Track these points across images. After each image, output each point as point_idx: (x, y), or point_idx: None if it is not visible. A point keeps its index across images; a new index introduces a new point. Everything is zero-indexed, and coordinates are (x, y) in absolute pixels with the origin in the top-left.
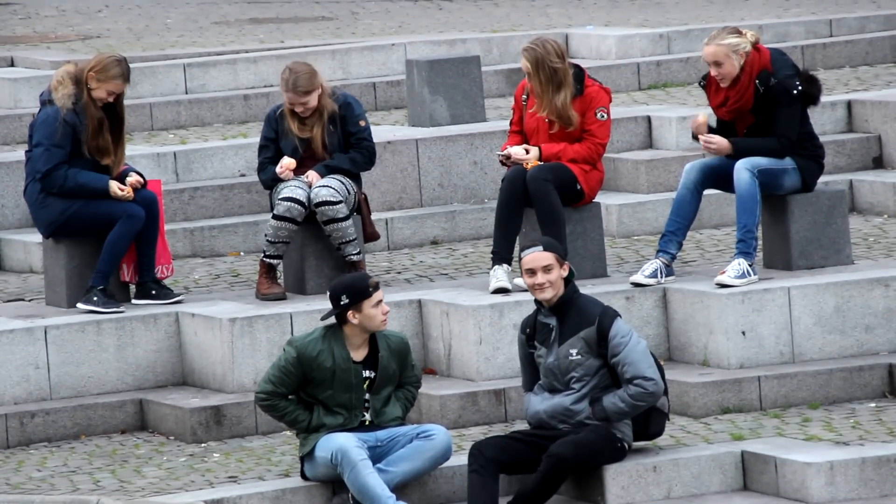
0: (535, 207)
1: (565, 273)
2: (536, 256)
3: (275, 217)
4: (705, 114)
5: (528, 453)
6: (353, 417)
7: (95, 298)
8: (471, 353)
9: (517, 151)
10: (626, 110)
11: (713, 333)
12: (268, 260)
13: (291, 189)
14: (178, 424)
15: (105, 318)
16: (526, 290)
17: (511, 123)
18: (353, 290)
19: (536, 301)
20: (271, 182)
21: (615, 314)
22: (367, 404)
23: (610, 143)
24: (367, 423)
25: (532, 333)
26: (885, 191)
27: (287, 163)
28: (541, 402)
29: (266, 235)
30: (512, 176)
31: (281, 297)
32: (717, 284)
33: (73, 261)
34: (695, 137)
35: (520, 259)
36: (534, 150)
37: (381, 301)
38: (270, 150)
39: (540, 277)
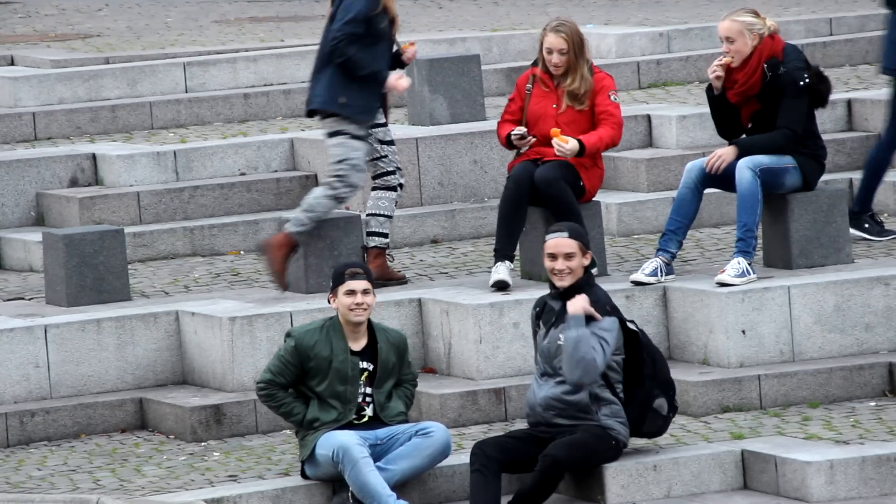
0: (551, 207)
1: (587, 262)
2: (560, 242)
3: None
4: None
5: (530, 452)
6: (346, 412)
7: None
8: (471, 351)
9: (559, 144)
10: (627, 109)
11: (713, 332)
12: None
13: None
14: (178, 423)
15: (105, 317)
16: (526, 290)
17: (505, 112)
18: (334, 273)
19: (551, 283)
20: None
21: (615, 313)
22: (366, 398)
23: None
24: (366, 419)
25: (541, 313)
26: (885, 190)
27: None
28: (539, 389)
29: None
30: (518, 175)
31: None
32: (717, 283)
33: (72, 259)
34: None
35: (543, 241)
36: (573, 143)
37: (354, 291)
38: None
39: (560, 264)
